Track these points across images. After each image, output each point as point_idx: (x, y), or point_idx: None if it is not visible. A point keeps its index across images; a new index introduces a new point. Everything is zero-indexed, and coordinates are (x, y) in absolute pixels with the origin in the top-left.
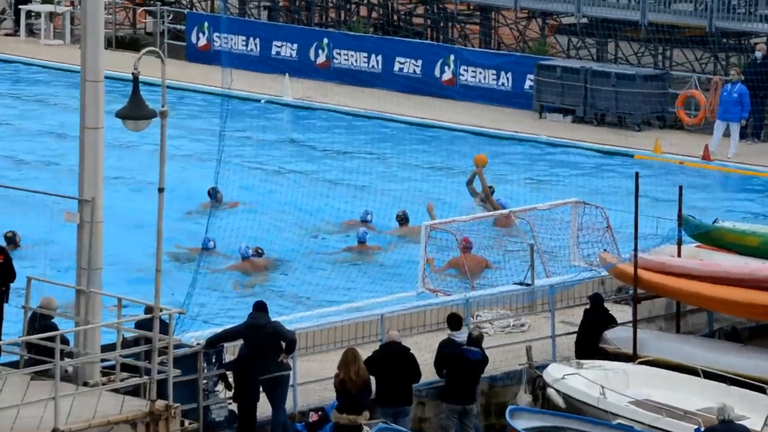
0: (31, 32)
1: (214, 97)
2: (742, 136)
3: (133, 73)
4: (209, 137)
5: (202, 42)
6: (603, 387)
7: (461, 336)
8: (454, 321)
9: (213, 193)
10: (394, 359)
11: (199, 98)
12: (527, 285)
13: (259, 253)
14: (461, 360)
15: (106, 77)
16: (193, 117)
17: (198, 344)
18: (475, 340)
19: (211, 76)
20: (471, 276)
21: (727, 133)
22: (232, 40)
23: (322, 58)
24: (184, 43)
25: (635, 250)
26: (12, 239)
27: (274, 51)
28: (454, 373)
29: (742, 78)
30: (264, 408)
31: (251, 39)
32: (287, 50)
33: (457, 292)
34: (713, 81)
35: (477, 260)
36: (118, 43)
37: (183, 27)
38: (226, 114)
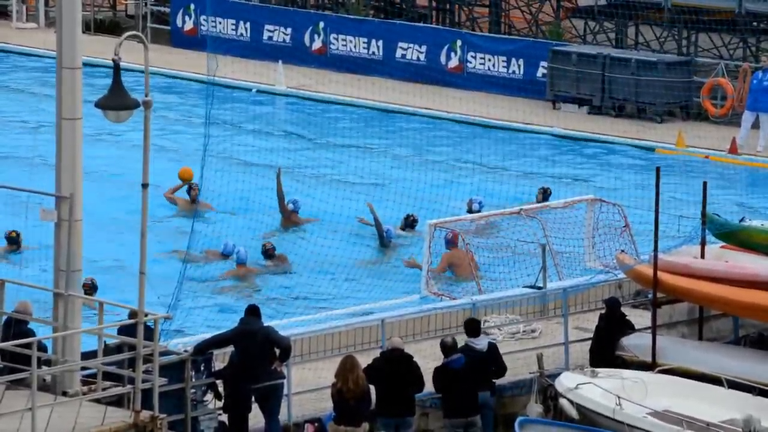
0: (3, 14)
1: (202, 85)
2: None
3: (113, 60)
4: (196, 128)
5: (189, 26)
6: (619, 397)
7: (480, 343)
8: (472, 327)
9: (188, 190)
10: (395, 367)
11: (185, 87)
12: (539, 288)
13: (271, 249)
14: (446, 373)
15: (84, 64)
16: (179, 107)
17: (185, 351)
18: (451, 347)
19: (199, 62)
20: (466, 272)
21: (756, 125)
22: (220, 23)
23: (317, 44)
24: (169, 27)
25: (655, 250)
26: (15, 240)
27: (266, 36)
28: (444, 387)
29: None
30: (256, 419)
31: (241, 23)
32: (280, 35)
33: (462, 295)
34: (742, 68)
35: (465, 255)
36: (97, 26)
37: (167, 9)
38: (211, 102)
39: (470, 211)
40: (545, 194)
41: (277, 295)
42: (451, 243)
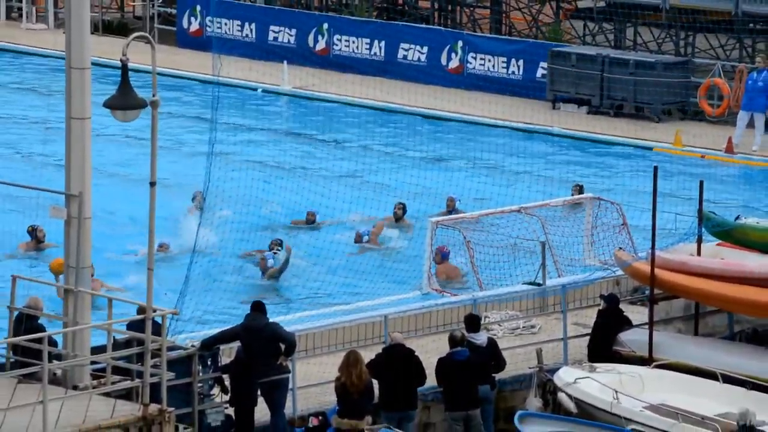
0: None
1: (207, 85)
2: None
3: (121, 60)
4: (202, 128)
5: (194, 27)
6: (617, 391)
7: (480, 338)
8: (472, 322)
9: (196, 199)
10: (398, 362)
11: (190, 87)
12: (538, 285)
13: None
14: (449, 365)
15: (93, 64)
16: (184, 107)
17: (193, 346)
18: (459, 341)
19: (204, 63)
20: (459, 282)
21: (751, 125)
22: (226, 24)
23: (321, 45)
24: (175, 28)
25: (652, 248)
26: (32, 233)
27: (271, 36)
28: (445, 379)
29: None
30: (262, 413)
31: (247, 24)
32: (285, 36)
33: (463, 292)
34: (738, 69)
35: (454, 270)
36: (105, 27)
37: (174, 11)
38: (216, 102)
39: (451, 208)
40: (580, 191)
41: (283, 293)
42: (444, 257)
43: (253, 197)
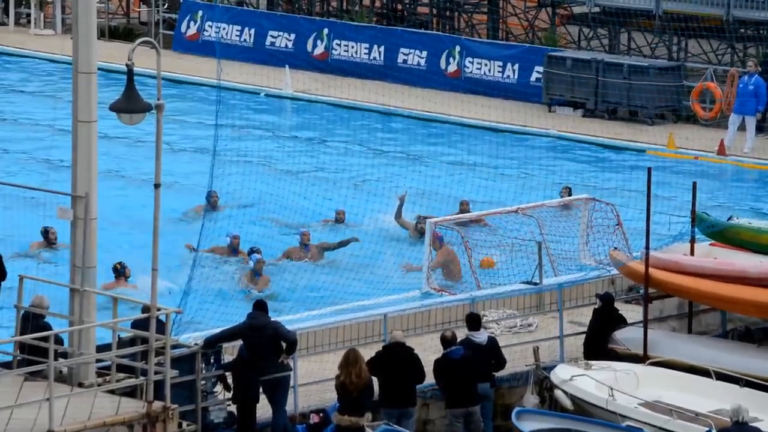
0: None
1: (205, 89)
2: (759, 130)
3: (127, 65)
4: (206, 132)
5: (192, 32)
6: (612, 388)
7: (480, 336)
8: (473, 321)
9: (208, 198)
10: (397, 360)
11: (185, 91)
12: (535, 284)
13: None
14: (446, 364)
15: (99, 69)
16: (182, 111)
17: (196, 344)
18: (450, 341)
19: (200, 67)
20: (452, 271)
21: (743, 127)
22: (225, 29)
23: (320, 49)
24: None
25: (647, 248)
26: (45, 234)
27: (269, 41)
28: (444, 378)
29: (760, 69)
30: (264, 409)
31: (246, 29)
32: (283, 41)
33: (462, 291)
34: (730, 73)
35: (450, 252)
36: (112, 33)
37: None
38: (218, 105)
39: (464, 212)
40: (569, 193)
41: (285, 291)
42: (441, 241)
43: (256, 198)
